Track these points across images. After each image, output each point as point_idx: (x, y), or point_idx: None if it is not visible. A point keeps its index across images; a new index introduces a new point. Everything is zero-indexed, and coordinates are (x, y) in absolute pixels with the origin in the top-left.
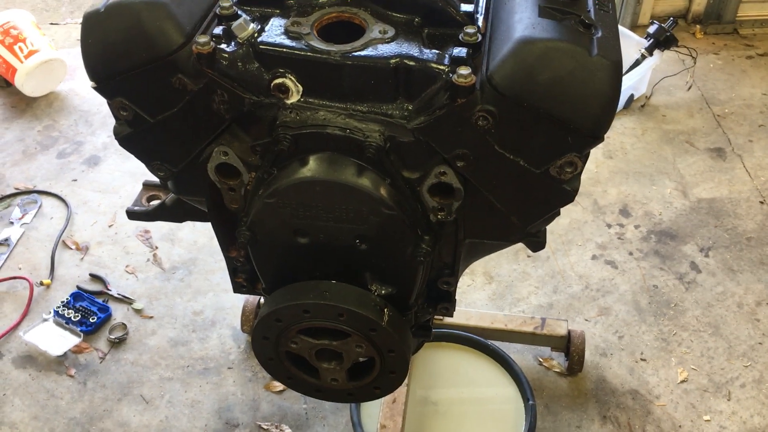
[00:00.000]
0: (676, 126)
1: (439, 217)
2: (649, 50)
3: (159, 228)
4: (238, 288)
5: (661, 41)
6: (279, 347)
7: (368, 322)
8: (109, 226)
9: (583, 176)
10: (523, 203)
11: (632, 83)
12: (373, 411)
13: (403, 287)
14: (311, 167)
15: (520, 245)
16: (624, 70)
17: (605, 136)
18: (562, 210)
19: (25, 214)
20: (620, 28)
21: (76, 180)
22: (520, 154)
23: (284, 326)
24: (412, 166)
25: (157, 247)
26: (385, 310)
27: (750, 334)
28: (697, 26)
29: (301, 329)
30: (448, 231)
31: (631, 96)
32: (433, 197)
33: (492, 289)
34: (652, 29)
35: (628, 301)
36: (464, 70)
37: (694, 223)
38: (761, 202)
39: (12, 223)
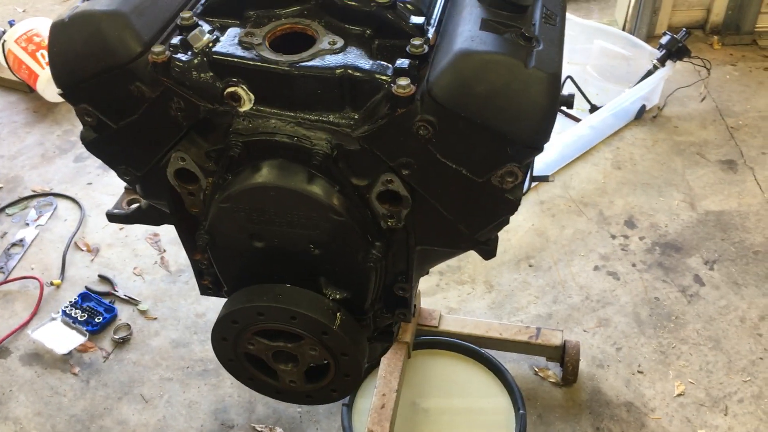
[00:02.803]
0: (687, 137)
1: (389, 223)
2: (661, 61)
3: (168, 232)
4: (204, 290)
5: (673, 52)
6: (237, 348)
7: (319, 326)
8: (120, 229)
9: (589, 186)
10: (469, 211)
11: (643, 93)
12: (364, 417)
13: (356, 292)
14: (263, 173)
15: (522, 254)
16: (636, 81)
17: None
18: (566, 220)
19: (40, 216)
20: (632, 38)
21: (91, 183)
22: (462, 164)
23: (241, 328)
24: (360, 174)
25: (164, 250)
26: (338, 314)
27: (751, 349)
28: (715, 37)
29: (257, 331)
30: (399, 238)
31: (643, 106)
32: (382, 204)
33: (492, 297)
34: (664, 40)
35: (628, 313)
36: (403, 81)
37: (700, 236)
38: None
39: (28, 224)
